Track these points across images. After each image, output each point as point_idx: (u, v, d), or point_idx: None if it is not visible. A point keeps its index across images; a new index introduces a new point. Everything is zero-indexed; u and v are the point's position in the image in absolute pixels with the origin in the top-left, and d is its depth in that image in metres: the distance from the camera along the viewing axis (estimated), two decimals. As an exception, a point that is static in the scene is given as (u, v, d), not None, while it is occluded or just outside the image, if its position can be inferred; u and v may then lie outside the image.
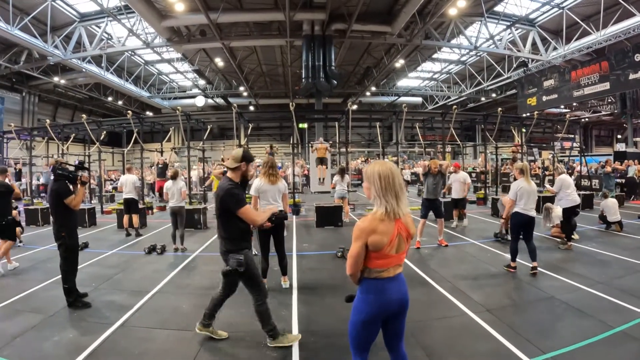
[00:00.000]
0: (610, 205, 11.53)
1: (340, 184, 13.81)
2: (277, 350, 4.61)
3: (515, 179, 8.11)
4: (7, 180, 8.33)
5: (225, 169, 4.90)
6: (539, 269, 7.51)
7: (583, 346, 4.57)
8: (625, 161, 22.76)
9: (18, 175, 21.86)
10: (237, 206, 4.57)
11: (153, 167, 22.08)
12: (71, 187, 6.11)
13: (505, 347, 4.60)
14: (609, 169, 17.02)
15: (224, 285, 4.89)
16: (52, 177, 6.22)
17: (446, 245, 9.96)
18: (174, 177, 9.89)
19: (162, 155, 18.69)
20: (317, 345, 4.78)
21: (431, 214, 10.18)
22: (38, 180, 22.25)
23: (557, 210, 10.67)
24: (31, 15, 19.85)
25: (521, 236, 7.71)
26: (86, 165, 7.86)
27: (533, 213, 7.62)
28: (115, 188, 20.17)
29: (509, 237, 8.55)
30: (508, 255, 7.90)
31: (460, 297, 6.29)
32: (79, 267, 6.43)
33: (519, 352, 4.44)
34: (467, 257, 8.85)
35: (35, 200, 17.06)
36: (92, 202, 17.83)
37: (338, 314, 5.70)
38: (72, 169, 6.27)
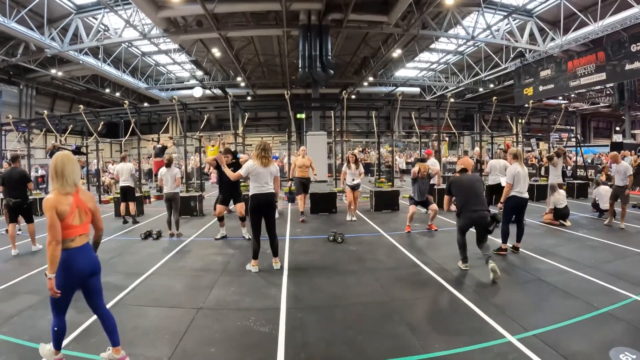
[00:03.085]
0: (602, 194, 11.61)
1: (353, 174, 11.86)
2: (264, 325, 4.73)
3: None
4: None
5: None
6: (528, 252, 7.72)
7: (567, 325, 4.65)
8: (622, 152, 22.83)
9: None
10: None
11: (150, 158, 22.18)
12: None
13: (488, 325, 4.70)
14: (603, 178, 16.68)
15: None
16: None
17: (436, 230, 10.12)
18: (168, 164, 9.98)
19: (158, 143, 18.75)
20: (304, 322, 4.89)
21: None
22: (37, 172, 22.34)
23: (559, 196, 10.82)
24: (28, 8, 19.83)
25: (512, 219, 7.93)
26: (83, 149, 7.97)
27: (526, 195, 7.87)
28: (112, 179, 20.21)
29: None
30: (498, 240, 8.01)
31: (447, 277, 6.42)
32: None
33: (502, 330, 4.54)
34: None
35: (34, 191, 17.10)
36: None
37: (327, 293, 5.88)
38: (69, 153, 6.37)
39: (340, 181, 13.70)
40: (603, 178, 13.45)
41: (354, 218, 11.85)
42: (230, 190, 9.40)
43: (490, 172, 12.25)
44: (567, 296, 5.57)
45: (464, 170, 7.24)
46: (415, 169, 10.19)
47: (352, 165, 11.73)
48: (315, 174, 12.64)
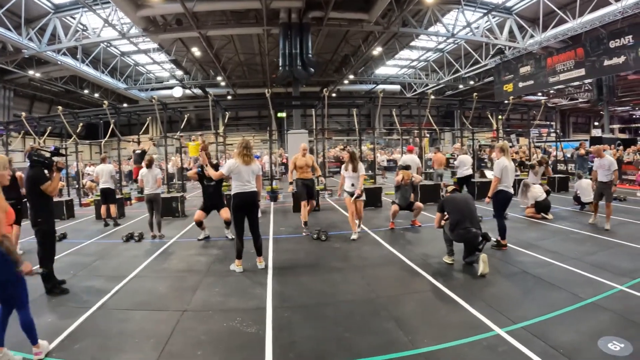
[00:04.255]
0: (584, 187, 11.73)
1: (351, 177, 9.21)
2: (251, 326, 4.69)
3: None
4: None
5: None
6: (511, 245, 7.83)
7: (554, 316, 4.70)
8: (602, 146, 23.12)
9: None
10: None
11: (131, 160, 21.95)
12: (47, 173, 6.08)
13: (476, 318, 4.72)
14: (582, 151, 17.36)
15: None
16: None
17: (419, 226, 10.16)
18: (149, 165, 9.87)
19: (139, 145, 18.59)
20: (291, 320, 4.87)
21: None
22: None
23: (535, 190, 10.93)
24: (5, 8, 19.38)
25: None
26: (62, 151, 7.83)
27: (512, 190, 7.93)
28: (92, 181, 19.99)
29: None
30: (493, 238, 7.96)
31: (433, 272, 6.45)
32: (57, 256, 6.45)
33: (490, 323, 4.56)
34: (441, 237, 8.74)
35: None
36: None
37: (313, 291, 5.86)
38: (48, 155, 6.24)
39: (328, 180, 13.22)
40: (582, 152, 14.33)
41: (355, 235, 9.08)
42: (213, 200, 9.38)
43: (460, 166, 14.40)
44: (552, 288, 5.62)
45: (455, 190, 7.45)
46: (399, 177, 10.15)
47: (349, 166, 9.17)
48: (319, 175, 10.55)
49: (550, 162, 20.11)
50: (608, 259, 6.88)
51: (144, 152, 17.24)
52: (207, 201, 9.39)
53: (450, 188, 7.56)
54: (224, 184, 10.99)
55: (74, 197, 15.91)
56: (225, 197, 10.08)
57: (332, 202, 13.86)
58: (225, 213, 9.25)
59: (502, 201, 7.86)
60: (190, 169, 15.62)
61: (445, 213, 7.17)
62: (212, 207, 9.40)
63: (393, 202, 10.47)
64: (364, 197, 9.30)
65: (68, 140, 16.98)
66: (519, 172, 17.03)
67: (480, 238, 6.59)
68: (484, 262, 6.12)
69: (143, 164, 10.36)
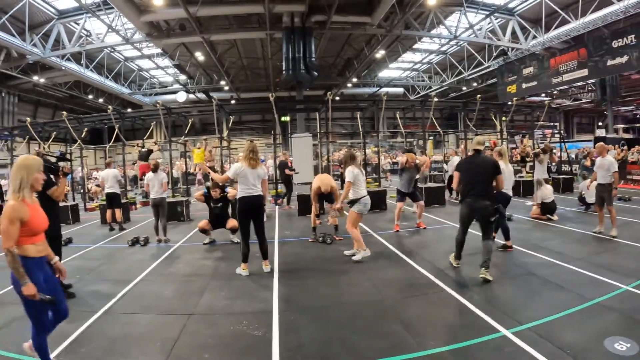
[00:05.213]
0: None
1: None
2: (257, 329, 4.69)
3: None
4: None
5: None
6: (517, 247, 7.82)
7: (560, 317, 4.69)
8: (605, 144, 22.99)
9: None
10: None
11: (135, 165, 21.99)
12: (53, 178, 6.11)
13: (483, 320, 4.71)
14: (588, 163, 17.18)
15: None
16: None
17: (424, 228, 10.15)
18: (155, 169, 9.89)
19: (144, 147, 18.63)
20: (297, 324, 4.86)
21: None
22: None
23: (545, 192, 10.89)
24: (9, 14, 19.45)
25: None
26: (67, 156, 7.87)
27: (511, 193, 7.99)
28: (98, 186, 20.03)
29: None
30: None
31: (439, 275, 6.44)
32: (63, 261, 6.43)
33: (497, 324, 4.55)
34: (446, 238, 8.74)
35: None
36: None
37: (319, 294, 5.88)
38: (54, 160, 6.27)
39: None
40: (588, 163, 14.36)
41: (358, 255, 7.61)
42: (218, 217, 9.46)
43: (450, 168, 15.56)
44: (558, 289, 5.61)
45: (478, 152, 6.77)
46: (403, 159, 10.18)
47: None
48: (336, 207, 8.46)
49: (554, 163, 20.10)
50: (613, 259, 6.87)
51: (149, 151, 17.26)
52: (213, 216, 9.48)
53: (474, 146, 6.97)
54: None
55: (79, 202, 15.96)
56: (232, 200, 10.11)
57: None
58: (233, 223, 9.27)
59: (503, 203, 7.78)
60: (195, 173, 15.70)
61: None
62: (217, 223, 9.48)
63: (398, 192, 10.40)
64: (357, 209, 7.71)
65: (73, 146, 17.04)
66: (524, 174, 17.08)
67: (492, 210, 6.24)
68: (483, 279, 6.00)
69: (150, 164, 10.38)
